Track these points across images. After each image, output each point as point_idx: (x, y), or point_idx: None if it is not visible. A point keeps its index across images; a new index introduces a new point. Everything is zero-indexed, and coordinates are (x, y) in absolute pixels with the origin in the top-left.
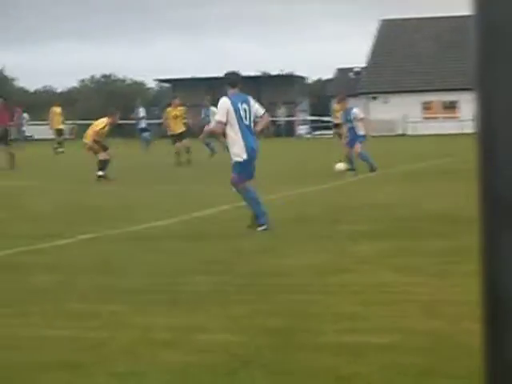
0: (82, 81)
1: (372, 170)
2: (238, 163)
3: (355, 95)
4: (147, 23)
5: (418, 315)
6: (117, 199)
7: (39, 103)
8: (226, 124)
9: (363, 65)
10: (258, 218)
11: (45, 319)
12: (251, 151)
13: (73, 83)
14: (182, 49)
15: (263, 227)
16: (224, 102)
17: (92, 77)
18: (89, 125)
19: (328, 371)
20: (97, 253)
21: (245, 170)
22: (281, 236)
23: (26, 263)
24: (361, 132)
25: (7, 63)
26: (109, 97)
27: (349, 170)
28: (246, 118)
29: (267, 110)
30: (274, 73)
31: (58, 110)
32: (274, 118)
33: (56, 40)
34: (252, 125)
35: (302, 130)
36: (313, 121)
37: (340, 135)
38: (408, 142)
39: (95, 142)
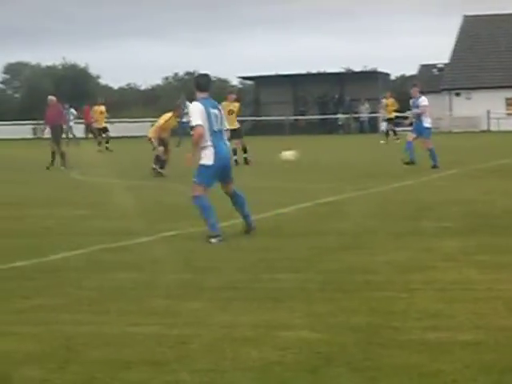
0: (166, 78)
1: (434, 166)
2: (202, 166)
3: (438, 91)
4: (231, 20)
5: (502, 312)
6: None
7: (123, 101)
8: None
9: (446, 61)
10: (210, 228)
11: (127, 316)
12: (220, 159)
13: (156, 81)
14: (266, 46)
15: (217, 238)
16: (196, 105)
17: (175, 74)
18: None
19: (412, 368)
20: (179, 250)
21: (208, 175)
22: (364, 233)
23: (109, 260)
24: (426, 124)
25: (91, 61)
26: (192, 94)
27: (407, 163)
28: (216, 122)
29: (350, 107)
30: (357, 69)
31: (99, 108)
32: (358, 115)
33: (140, 38)
34: (223, 130)
35: (385, 126)
36: (396, 117)
37: (391, 131)
38: (491, 138)
39: (159, 138)
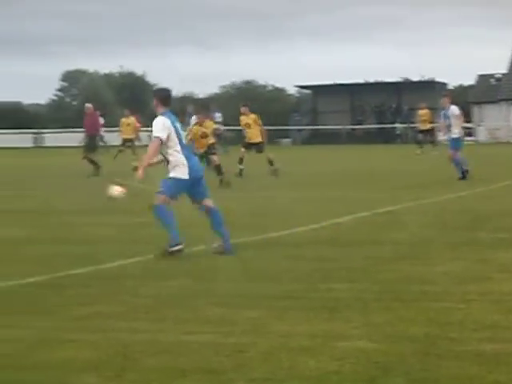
0: (223, 87)
1: (462, 177)
2: (174, 179)
3: (496, 101)
4: (287, 29)
5: None
6: (254, 205)
7: (179, 109)
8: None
9: (505, 71)
10: (171, 238)
11: (183, 324)
12: (195, 172)
13: (214, 89)
14: (323, 54)
15: (178, 247)
16: (163, 119)
17: (233, 83)
18: (229, 130)
19: (469, 379)
20: (236, 258)
21: (178, 188)
22: (420, 243)
23: (165, 268)
24: (454, 135)
25: (150, 69)
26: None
27: (460, 178)
28: (182, 136)
29: (408, 116)
30: (415, 79)
31: (127, 121)
32: (415, 124)
33: (198, 47)
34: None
35: (442, 136)
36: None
37: (421, 142)
38: None
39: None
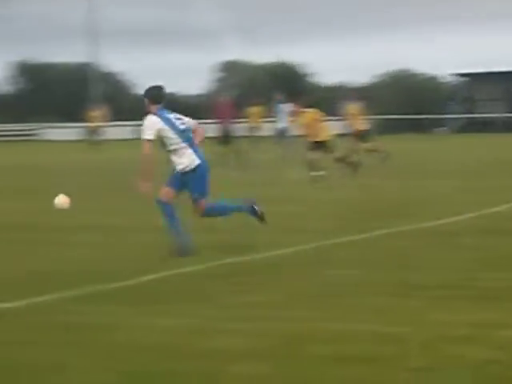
0: (379, 75)
1: None
2: (191, 172)
3: None
4: (440, 15)
5: None
6: (409, 194)
7: (333, 98)
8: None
9: None
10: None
11: (344, 313)
12: (202, 160)
13: (370, 78)
14: (477, 42)
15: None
16: (151, 120)
17: (388, 71)
18: (385, 120)
19: None
20: (392, 248)
21: (200, 180)
22: None
23: (322, 258)
24: None
25: (310, 59)
26: (404, 91)
27: None
28: (182, 123)
29: None
30: None
31: (252, 110)
32: None
33: (357, 34)
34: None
35: None
36: None
37: None
38: None
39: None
